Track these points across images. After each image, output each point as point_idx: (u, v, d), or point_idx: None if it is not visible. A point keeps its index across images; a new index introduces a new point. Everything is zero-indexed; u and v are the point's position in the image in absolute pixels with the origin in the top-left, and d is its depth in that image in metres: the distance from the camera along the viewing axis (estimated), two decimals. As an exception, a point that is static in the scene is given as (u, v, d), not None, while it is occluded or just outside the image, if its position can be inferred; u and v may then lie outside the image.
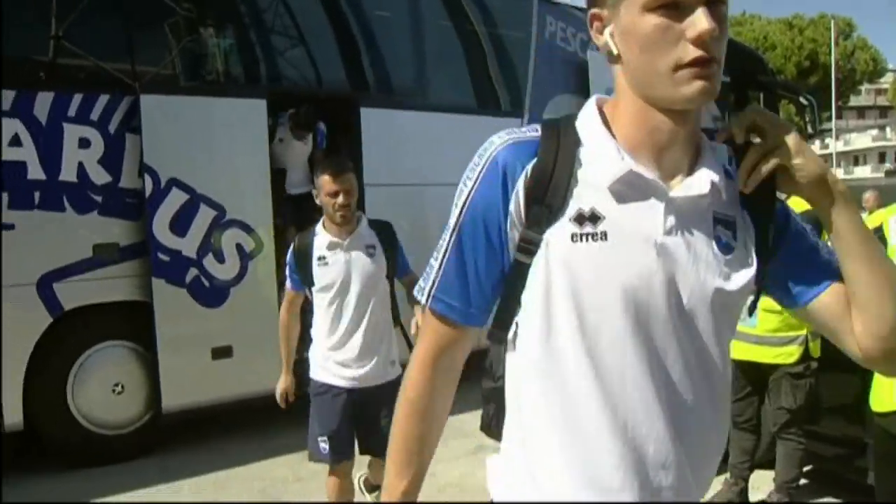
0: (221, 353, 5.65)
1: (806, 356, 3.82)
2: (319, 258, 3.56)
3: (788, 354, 3.84)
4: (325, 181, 3.47)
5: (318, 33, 6.56)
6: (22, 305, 4.98)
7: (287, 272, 3.74)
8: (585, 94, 7.56)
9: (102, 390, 5.44)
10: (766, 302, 3.65)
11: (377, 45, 6.89)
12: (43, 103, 5.03)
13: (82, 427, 5.36)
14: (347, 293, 3.52)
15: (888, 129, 57.14)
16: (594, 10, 1.19)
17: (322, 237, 3.56)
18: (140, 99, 5.28)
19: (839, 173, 58.27)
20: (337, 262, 3.53)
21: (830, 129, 39.05)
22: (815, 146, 45.38)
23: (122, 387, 5.51)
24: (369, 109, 6.45)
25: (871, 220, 3.74)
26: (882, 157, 55.59)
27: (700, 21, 1.09)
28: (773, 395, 3.99)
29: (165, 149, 5.43)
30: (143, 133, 5.29)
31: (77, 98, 5.16)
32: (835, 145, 37.91)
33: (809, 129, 12.02)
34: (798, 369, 3.83)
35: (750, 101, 10.79)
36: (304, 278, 3.60)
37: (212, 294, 5.63)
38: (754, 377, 4.06)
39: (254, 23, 6.27)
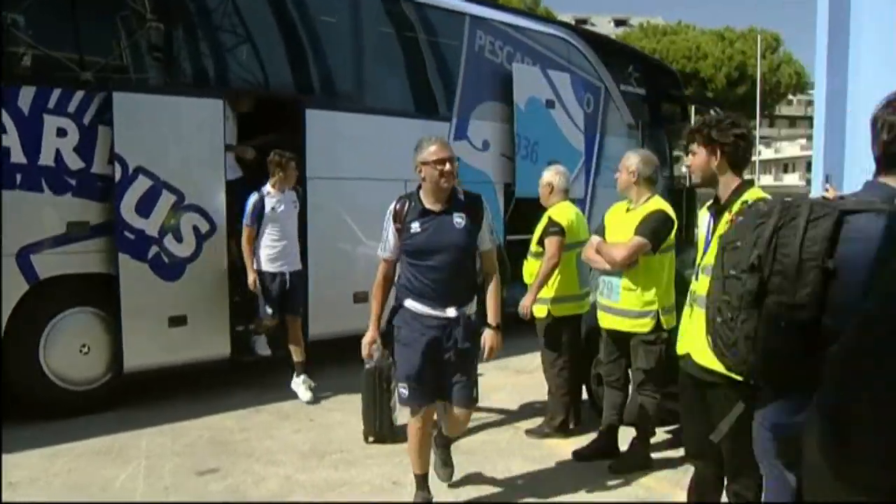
0: (177, 321, 6.15)
1: (658, 327, 4.50)
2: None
3: (643, 325, 4.53)
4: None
5: (269, 41, 7.08)
6: (3, 273, 5.39)
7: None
8: (509, 102, 8.34)
9: (71, 350, 5.87)
10: (625, 282, 4.72)
11: (321, 51, 7.41)
12: (26, 96, 5.48)
13: (52, 382, 5.77)
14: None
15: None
16: None
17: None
18: (112, 95, 5.77)
19: (769, 180, 59.63)
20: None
21: (755, 139, 40.42)
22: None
23: (89, 348, 5.96)
24: (313, 111, 7.02)
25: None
26: (809, 166, 57.31)
27: None
28: (632, 358, 4.69)
29: (133, 140, 5.89)
30: (115, 125, 5.77)
31: (56, 92, 5.61)
32: (758, 154, 39.20)
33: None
34: (650, 337, 4.51)
35: (662, 113, 11.65)
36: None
37: (170, 269, 6.11)
38: (620, 343, 4.76)
39: (215, 31, 6.75)
